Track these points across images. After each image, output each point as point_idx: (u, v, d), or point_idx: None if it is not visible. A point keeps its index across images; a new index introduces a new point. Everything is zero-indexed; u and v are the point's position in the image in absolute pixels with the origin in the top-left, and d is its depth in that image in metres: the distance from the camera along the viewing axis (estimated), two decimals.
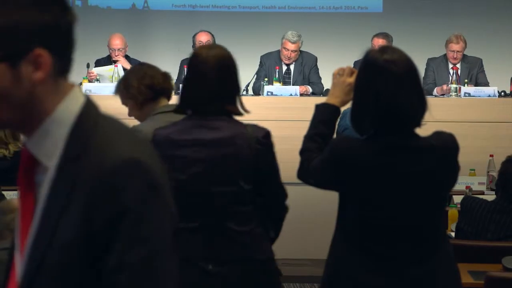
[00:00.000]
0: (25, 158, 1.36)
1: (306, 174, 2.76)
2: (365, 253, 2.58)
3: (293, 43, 7.49)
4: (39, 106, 1.32)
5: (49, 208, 1.32)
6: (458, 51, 7.57)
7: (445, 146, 2.62)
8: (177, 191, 2.78)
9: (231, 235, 2.89)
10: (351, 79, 2.78)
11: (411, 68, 2.60)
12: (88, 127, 1.33)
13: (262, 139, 2.90)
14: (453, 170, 2.66)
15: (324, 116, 2.81)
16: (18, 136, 5.12)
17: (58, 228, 1.30)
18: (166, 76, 3.81)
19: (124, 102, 3.79)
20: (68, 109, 1.34)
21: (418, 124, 2.60)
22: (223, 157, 2.86)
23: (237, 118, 2.95)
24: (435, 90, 7.42)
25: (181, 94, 3.01)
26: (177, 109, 2.99)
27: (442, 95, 7.35)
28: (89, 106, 1.37)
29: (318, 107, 2.95)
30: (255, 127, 2.94)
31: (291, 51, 7.50)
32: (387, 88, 2.54)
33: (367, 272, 2.57)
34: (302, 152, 2.82)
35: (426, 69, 7.74)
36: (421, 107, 2.58)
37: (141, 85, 3.70)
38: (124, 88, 3.73)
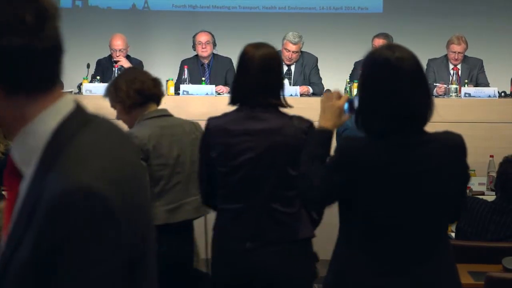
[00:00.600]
0: (10, 160, 1.37)
1: (311, 191, 2.65)
2: (371, 254, 2.57)
3: (294, 44, 7.50)
4: (10, 119, 1.33)
5: (18, 220, 1.30)
6: (459, 52, 7.58)
7: (454, 144, 2.60)
8: (228, 176, 3.11)
9: (276, 216, 3.14)
10: (341, 102, 2.76)
11: (419, 65, 2.61)
12: (62, 142, 1.31)
13: (307, 129, 3.14)
14: (463, 168, 2.65)
15: (320, 139, 2.74)
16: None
17: (20, 244, 1.26)
18: (156, 81, 3.86)
19: (112, 105, 3.81)
20: (45, 121, 1.33)
21: (427, 122, 2.59)
22: (271, 145, 3.12)
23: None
24: (435, 90, 7.42)
25: (231, 89, 3.32)
26: (230, 102, 3.28)
27: (440, 95, 7.35)
28: (73, 117, 1.35)
29: (313, 132, 2.93)
30: (300, 118, 3.21)
31: (292, 52, 7.50)
32: (402, 86, 2.53)
33: (373, 273, 2.56)
34: (303, 175, 2.68)
35: (426, 70, 7.73)
36: (431, 105, 2.57)
37: (130, 89, 3.72)
38: (113, 92, 3.75)
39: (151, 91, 3.76)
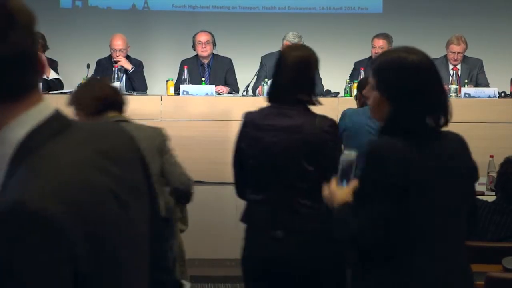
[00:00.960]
0: None
1: (362, 236, 2.50)
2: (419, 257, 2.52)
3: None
4: None
5: None
6: (458, 53, 7.58)
7: (464, 142, 2.69)
8: (255, 167, 3.40)
9: (296, 207, 3.35)
10: (347, 190, 2.61)
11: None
12: (24, 153, 1.28)
13: (328, 128, 3.37)
14: (474, 166, 2.71)
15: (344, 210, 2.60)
16: None
17: None
18: (115, 89, 4.01)
19: (75, 114, 3.89)
20: (14, 130, 1.31)
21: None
22: (292, 141, 3.35)
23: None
24: None
25: (269, 86, 3.62)
26: (266, 98, 3.55)
27: None
28: (44, 125, 1.33)
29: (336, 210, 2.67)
30: (323, 117, 3.42)
31: None
32: (437, 87, 2.59)
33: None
34: (342, 222, 2.59)
35: None
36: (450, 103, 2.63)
37: (89, 97, 3.82)
38: (75, 101, 3.84)
39: (110, 98, 3.86)
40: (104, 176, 1.33)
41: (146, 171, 1.46)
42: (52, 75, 7.32)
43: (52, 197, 1.23)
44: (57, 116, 1.36)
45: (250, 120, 3.50)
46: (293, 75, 3.41)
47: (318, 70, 3.56)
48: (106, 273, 1.30)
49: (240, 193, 3.61)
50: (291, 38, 7.49)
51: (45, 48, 7.35)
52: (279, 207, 3.38)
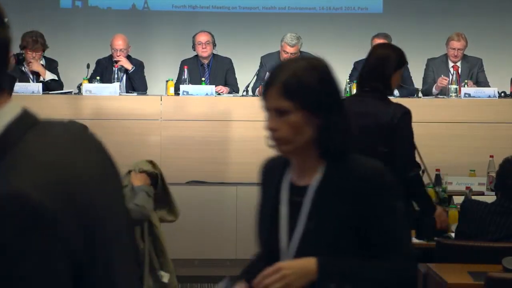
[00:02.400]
0: None
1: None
2: None
3: (292, 46, 7.48)
4: None
5: None
6: (459, 49, 7.57)
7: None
8: None
9: None
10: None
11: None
12: (4, 148, 1.28)
13: (400, 115, 3.83)
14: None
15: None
16: None
17: None
18: None
19: None
20: None
21: None
22: (366, 126, 3.78)
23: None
24: (434, 87, 7.42)
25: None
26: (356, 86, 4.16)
27: (439, 94, 7.35)
28: (17, 122, 1.33)
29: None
30: (397, 106, 3.94)
31: (291, 54, 7.49)
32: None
33: None
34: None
35: (425, 69, 7.74)
36: None
37: None
38: None
39: None
40: (88, 165, 1.34)
41: (113, 164, 1.47)
42: (48, 76, 7.32)
43: (44, 189, 1.23)
44: (26, 114, 1.37)
45: None
46: (371, 68, 3.96)
47: (400, 66, 3.98)
48: (100, 264, 1.30)
49: None
50: (289, 40, 7.48)
51: (44, 47, 7.35)
52: None
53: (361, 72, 4.08)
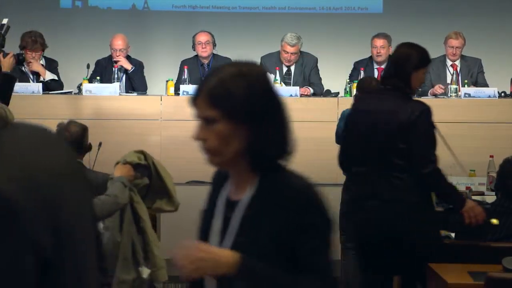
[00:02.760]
0: None
1: None
2: None
3: (292, 46, 7.49)
4: None
5: None
6: (457, 47, 7.57)
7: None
8: (354, 144, 4.13)
9: (390, 180, 3.97)
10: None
11: None
12: None
13: (418, 112, 3.95)
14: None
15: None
16: None
17: None
18: None
19: None
20: None
21: None
22: (386, 122, 3.97)
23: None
24: (429, 92, 7.39)
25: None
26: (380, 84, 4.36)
27: (439, 95, 7.34)
28: None
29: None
30: (416, 103, 4.10)
31: (291, 53, 7.50)
32: None
33: None
34: None
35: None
36: None
37: None
38: None
39: None
40: (55, 163, 1.34)
41: (79, 163, 1.47)
42: (48, 76, 7.32)
43: (13, 184, 1.23)
44: None
45: (358, 102, 4.26)
46: (392, 66, 4.15)
47: (422, 65, 4.12)
48: (69, 263, 1.30)
49: (341, 165, 4.35)
50: (289, 40, 7.49)
51: (44, 47, 7.34)
52: (377, 179, 3.99)
53: (384, 71, 4.31)
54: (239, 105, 2.01)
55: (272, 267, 2.02)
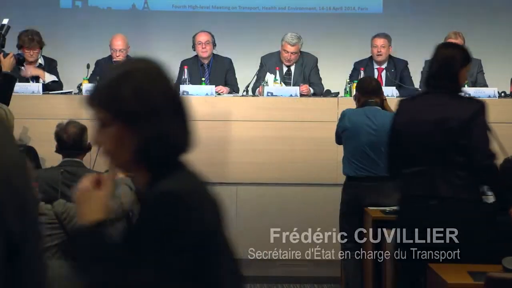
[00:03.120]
0: None
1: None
2: None
3: (292, 45, 7.49)
4: None
5: None
6: None
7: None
8: (411, 144, 4.12)
9: (450, 178, 4.05)
10: (106, 191, 2.07)
11: None
12: None
13: (477, 109, 4.07)
14: None
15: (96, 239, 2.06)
16: None
17: None
18: None
19: None
20: None
21: None
22: (445, 120, 4.06)
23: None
24: None
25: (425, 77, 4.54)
26: (423, 85, 4.51)
27: None
28: None
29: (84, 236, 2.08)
30: (471, 99, 4.30)
31: (291, 53, 7.50)
32: None
33: None
34: None
35: (422, 72, 7.74)
36: None
37: None
38: None
39: None
40: (15, 156, 1.40)
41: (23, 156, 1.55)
42: (47, 78, 7.31)
43: None
44: None
45: (406, 105, 4.31)
46: (439, 67, 4.21)
47: (466, 63, 4.25)
48: (32, 246, 1.36)
49: (390, 170, 4.36)
50: (290, 39, 7.49)
51: (41, 44, 7.30)
52: (436, 177, 4.05)
53: (429, 72, 4.31)
54: (127, 106, 1.95)
55: (117, 253, 1.93)
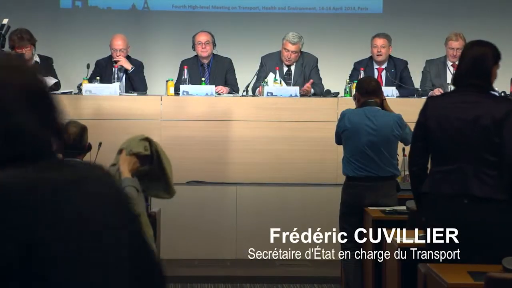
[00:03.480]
0: None
1: None
2: None
3: (293, 44, 7.49)
4: None
5: None
6: (457, 49, 7.57)
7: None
8: (444, 140, 4.05)
9: (482, 177, 3.98)
10: None
11: None
12: None
13: (507, 109, 4.00)
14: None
15: None
16: None
17: None
18: None
19: None
20: None
21: None
22: (477, 118, 4.01)
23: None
24: (429, 93, 7.38)
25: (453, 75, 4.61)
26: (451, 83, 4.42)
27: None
28: None
29: None
30: (504, 98, 4.47)
31: (292, 52, 7.50)
32: None
33: None
34: None
35: (423, 72, 7.74)
36: None
37: None
38: None
39: None
40: None
41: None
42: (47, 81, 7.29)
43: None
44: None
45: (435, 103, 4.22)
46: (471, 66, 4.14)
47: (497, 60, 4.19)
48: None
49: (412, 165, 4.24)
50: (291, 38, 7.49)
51: (32, 41, 7.18)
52: (468, 176, 3.99)
53: (458, 71, 4.27)
54: None
55: None
